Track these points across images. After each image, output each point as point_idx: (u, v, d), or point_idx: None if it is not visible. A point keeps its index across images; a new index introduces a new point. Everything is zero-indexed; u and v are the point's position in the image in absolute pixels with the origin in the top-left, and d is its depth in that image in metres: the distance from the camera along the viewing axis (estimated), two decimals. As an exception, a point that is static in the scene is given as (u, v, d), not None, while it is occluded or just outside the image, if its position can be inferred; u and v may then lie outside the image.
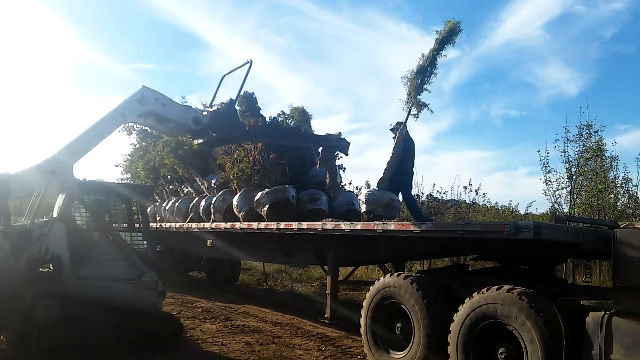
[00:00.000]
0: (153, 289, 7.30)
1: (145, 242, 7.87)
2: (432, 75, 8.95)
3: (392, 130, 9.78)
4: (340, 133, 8.78)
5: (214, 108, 8.38)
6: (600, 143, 13.39)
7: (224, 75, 8.83)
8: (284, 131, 10.27)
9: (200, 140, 8.71)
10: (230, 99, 8.53)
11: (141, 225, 8.04)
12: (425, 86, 9.01)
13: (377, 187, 9.60)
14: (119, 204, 8.10)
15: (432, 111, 9.40)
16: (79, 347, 6.41)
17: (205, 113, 8.18)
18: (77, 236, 7.17)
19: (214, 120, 8.00)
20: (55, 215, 7.40)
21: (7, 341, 6.63)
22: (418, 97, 9.07)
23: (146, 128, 12.02)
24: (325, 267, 8.75)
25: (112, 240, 7.44)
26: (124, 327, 6.70)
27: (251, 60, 8.03)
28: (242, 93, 8.68)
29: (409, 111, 9.31)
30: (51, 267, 6.89)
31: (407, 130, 9.63)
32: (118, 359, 6.49)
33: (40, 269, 6.90)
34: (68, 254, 6.88)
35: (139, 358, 6.62)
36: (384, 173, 9.41)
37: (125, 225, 8.07)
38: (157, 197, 15.28)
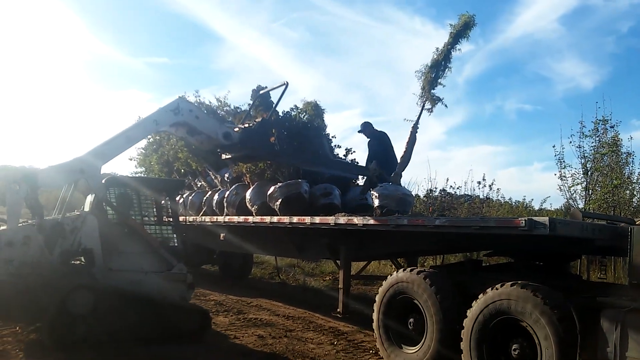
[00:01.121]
0: (182, 282, 7.43)
1: (175, 236, 7.98)
2: (447, 70, 8.92)
3: (361, 132, 10.12)
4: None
5: (246, 125, 8.40)
6: (616, 138, 13.25)
7: (259, 93, 8.69)
8: (322, 157, 9.94)
9: (228, 155, 8.69)
10: (263, 118, 8.58)
11: (171, 219, 8.14)
12: (439, 80, 8.97)
13: (390, 182, 9.58)
14: (148, 199, 8.19)
15: (446, 105, 9.38)
16: (110, 338, 6.53)
17: (236, 129, 8.23)
18: (109, 229, 7.31)
19: (244, 137, 8.03)
20: (87, 209, 7.58)
21: (42, 332, 6.76)
22: (432, 91, 9.03)
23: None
24: (337, 261, 8.75)
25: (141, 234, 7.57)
26: (154, 319, 6.89)
27: (287, 83, 8.07)
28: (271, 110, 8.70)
29: (423, 105, 9.28)
30: (83, 260, 7.08)
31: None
32: (144, 352, 6.54)
33: (73, 262, 7.06)
34: (100, 247, 7.06)
35: (165, 350, 6.67)
36: (397, 168, 9.39)
37: (154, 219, 8.19)
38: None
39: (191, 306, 7.62)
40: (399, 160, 9.88)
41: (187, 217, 12.89)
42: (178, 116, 7.79)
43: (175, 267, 7.44)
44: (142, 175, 16.77)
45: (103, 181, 7.55)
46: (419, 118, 9.41)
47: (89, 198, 7.78)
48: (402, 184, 9.96)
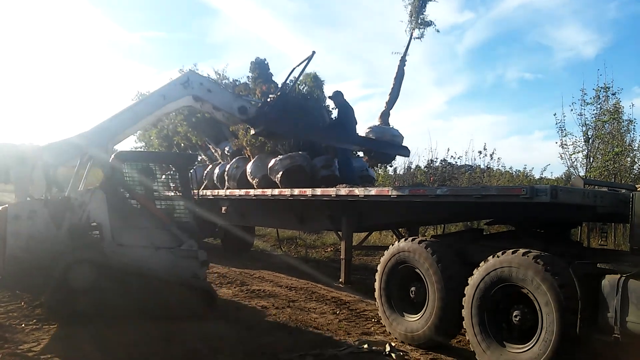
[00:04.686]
0: (194, 258, 7.24)
1: (186, 212, 7.71)
2: None
3: (331, 98, 9.90)
4: (403, 138, 8.58)
5: (270, 98, 8.13)
6: (617, 106, 13.24)
7: (294, 68, 8.14)
8: (340, 132, 9.61)
9: (253, 131, 8.43)
10: (282, 90, 8.32)
11: (182, 195, 7.84)
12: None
13: (379, 119, 9.47)
14: (159, 173, 8.06)
15: (438, 30, 9.17)
16: (112, 313, 6.49)
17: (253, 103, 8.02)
18: (119, 204, 7.24)
19: (261, 112, 7.81)
20: (86, 185, 7.54)
21: (43, 306, 6.80)
22: (422, 15, 8.81)
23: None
24: (339, 232, 8.80)
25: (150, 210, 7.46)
26: (156, 295, 6.76)
27: (314, 52, 7.68)
28: (291, 78, 8.31)
29: (412, 34, 9.07)
30: (98, 234, 7.03)
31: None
32: (150, 327, 6.49)
33: (89, 236, 7.02)
34: (108, 222, 7.00)
35: (169, 325, 6.69)
36: (385, 105, 9.31)
37: (167, 194, 8.04)
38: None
39: (197, 283, 7.28)
40: (387, 98, 9.71)
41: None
42: (188, 89, 7.62)
43: (185, 244, 7.27)
44: (142, 150, 16.74)
45: (112, 156, 7.43)
46: (407, 49, 9.25)
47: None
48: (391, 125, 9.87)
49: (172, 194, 8.02)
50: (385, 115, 9.41)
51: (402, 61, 9.40)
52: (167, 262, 7.12)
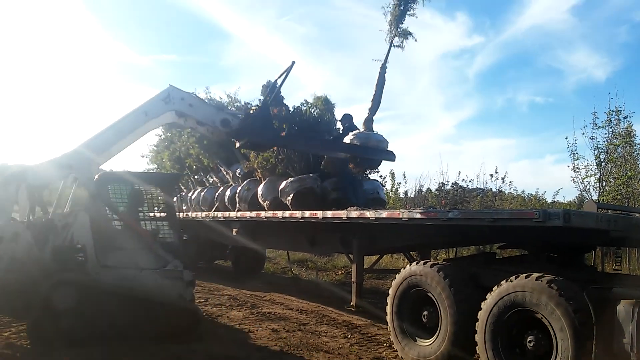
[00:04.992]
0: (179, 279, 7.13)
1: (171, 232, 7.70)
2: (415, 1, 8.88)
3: (340, 120, 10.15)
4: (388, 143, 8.65)
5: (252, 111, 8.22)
6: (629, 129, 13.17)
7: (275, 81, 8.24)
8: (325, 140, 9.88)
9: (238, 143, 8.42)
10: (264, 101, 8.32)
11: (167, 215, 7.88)
12: (408, 13, 8.92)
13: (363, 126, 9.58)
14: (144, 194, 7.91)
15: (416, 40, 9.38)
16: (95, 335, 6.41)
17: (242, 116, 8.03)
18: (103, 226, 7.17)
19: (245, 123, 7.81)
20: (69, 207, 7.47)
21: (26, 329, 6.69)
22: (400, 25, 9.00)
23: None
24: (350, 255, 8.76)
25: (135, 230, 7.36)
26: (141, 317, 6.66)
27: (294, 62, 7.75)
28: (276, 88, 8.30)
29: (391, 42, 9.26)
30: (82, 256, 6.95)
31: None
32: (154, 348, 6.49)
33: (73, 257, 6.95)
34: (92, 243, 6.93)
35: (158, 348, 6.68)
36: (368, 112, 9.45)
37: (151, 214, 7.92)
38: (182, 187, 15.48)
39: (182, 305, 7.14)
40: (369, 105, 9.89)
41: (200, 213, 12.98)
42: (169, 105, 7.61)
43: (170, 264, 7.16)
44: (154, 171, 16.88)
45: (96, 177, 7.38)
46: (387, 56, 9.43)
47: (73, 195, 7.65)
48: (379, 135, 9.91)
49: (158, 214, 7.95)
50: (368, 122, 9.58)
51: (383, 68, 9.63)
52: (152, 283, 7.02)
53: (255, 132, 7.77)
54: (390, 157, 8.45)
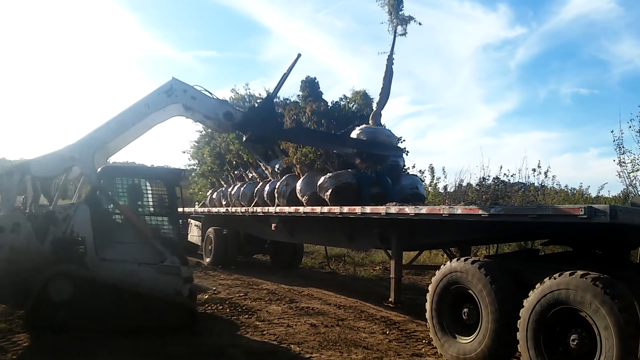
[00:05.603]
0: (176, 274, 7.14)
1: (171, 227, 7.61)
2: None
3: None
4: (397, 138, 8.55)
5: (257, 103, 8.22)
6: (678, 121, 12.64)
7: (285, 74, 8.29)
8: (331, 134, 9.75)
9: (244, 137, 8.39)
10: (268, 94, 8.27)
11: (168, 210, 7.73)
12: None
13: (371, 120, 9.48)
14: (145, 188, 7.83)
15: (420, 23, 9.32)
16: (90, 327, 6.52)
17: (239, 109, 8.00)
18: (103, 219, 7.24)
19: (248, 116, 7.77)
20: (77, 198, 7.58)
21: (23, 320, 6.86)
22: (400, 12, 8.90)
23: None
24: (388, 251, 8.73)
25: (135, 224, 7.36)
26: (137, 311, 6.72)
27: (300, 54, 7.77)
28: (281, 85, 8.10)
29: (395, 31, 9.17)
30: (82, 248, 7.07)
31: None
32: (132, 341, 6.49)
33: (72, 249, 7.08)
34: (92, 236, 7.03)
35: (195, 341, 6.80)
36: (376, 106, 9.36)
37: (150, 209, 7.86)
38: (223, 182, 15.70)
39: (178, 300, 7.12)
40: (378, 97, 9.81)
41: (239, 208, 13.15)
42: (172, 97, 7.61)
43: (167, 260, 7.15)
44: (195, 167, 17.18)
45: (99, 170, 7.43)
46: (393, 47, 9.30)
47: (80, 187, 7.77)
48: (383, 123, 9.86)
49: (159, 209, 7.86)
50: (377, 116, 9.43)
51: (390, 60, 9.48)
52: (149, 277, 7.06)
53: (258, 125, 7.72)
54: (398, 152, 8.35)
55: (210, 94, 7.99)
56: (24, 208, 7.46)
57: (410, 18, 9.09)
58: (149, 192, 7.80)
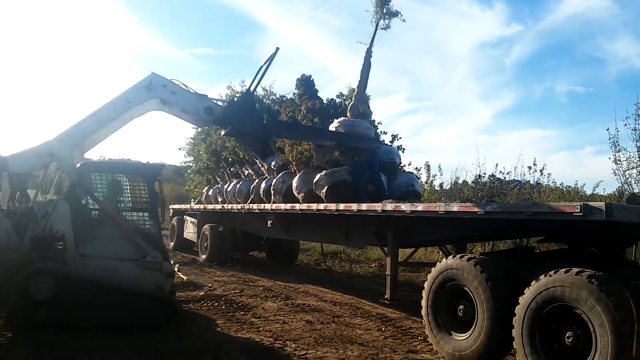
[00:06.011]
0: (158, 270, 7.13)
1: (152, 223, 7.55)
2: None
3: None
4: (375, 130, 8.54)
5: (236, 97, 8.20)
6: (674, 120, 12.67)
7: (261, 67, 8.09)
8: (310, 127, 9.78)
9: (224, 132, 8.45)
10: (247, 89, 8.25)
11: (148, 206, 7.63)
12: None
13: (348, 113, 9.51)
14: (125, 184, 7.77)
15: (404, 20, 9.31)
16: (73, 325, 6.46)
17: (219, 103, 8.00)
18: (83, 215, 7.17)
19: (228, 111, 7.75)
20: (53, 194, 7.47)
21: (4, 318, 6.74)
22: (387, 5, 8.91)
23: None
24: (384, 248, 8.74)
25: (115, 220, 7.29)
26: (119, 307, 6.67)
27: (278, 48, 7.75)
28: (258, 83, 8.19)
29: (377, 24, 9.19)
30: (62, 245, 7.01)
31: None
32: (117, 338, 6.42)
33: (52, 246, 7.02)
34: (72, 233, 6.96)
35: (195, 338, 6.82)
36: (354, 99, 9.39)
37: (130, 205, 7.73)
38: (218, 179, 15.69)
39: (160, 296, 7.12)
40: (355, 90, 9.82)
41: (235, 205, 13.14)
42: (151, 92, 7.58)
43: (149, 255, 7.14)
44: (191, 164, 17.16)
45: (77, 165, 7.36)
46: (373, 39, 9.33)
47: (55, 183, 7.68)
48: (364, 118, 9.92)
49: (139, 205, 7.75)
50: (354, 109, 9.46)
51: (368, 52, 9.49)
52: (131, 273, 7.02)
53: (238, 120, 7.75)
54: (376, 145, 8.38)
55: (189, 88, 7.98)
56: (3, 205, 7.34)
57: (397, 12, 9.09)
58: (128, 187, 7.73)
